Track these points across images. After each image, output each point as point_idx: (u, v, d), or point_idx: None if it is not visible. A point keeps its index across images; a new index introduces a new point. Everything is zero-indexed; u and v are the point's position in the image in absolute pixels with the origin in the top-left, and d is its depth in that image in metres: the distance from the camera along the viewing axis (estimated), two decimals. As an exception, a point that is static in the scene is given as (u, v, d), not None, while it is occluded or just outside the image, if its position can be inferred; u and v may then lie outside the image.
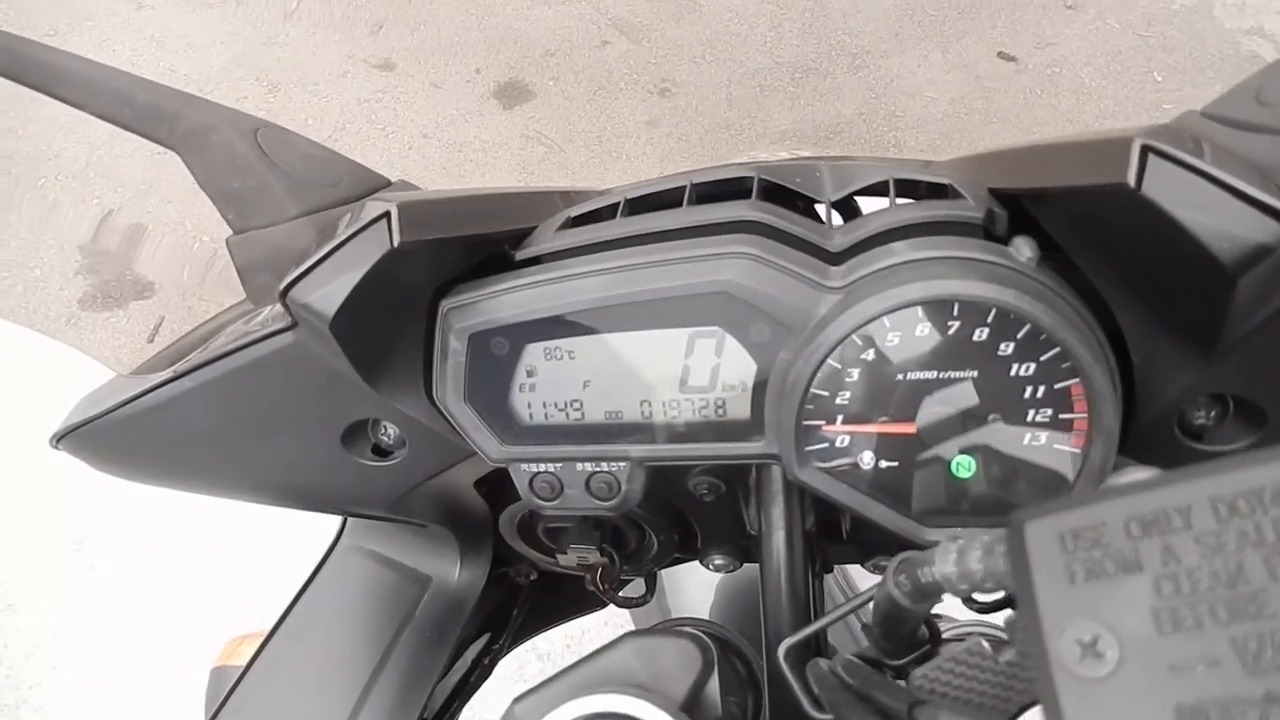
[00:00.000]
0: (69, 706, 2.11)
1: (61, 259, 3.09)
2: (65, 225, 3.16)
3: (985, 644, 0.40)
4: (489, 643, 0.86)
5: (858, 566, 0.81)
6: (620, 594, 0.83)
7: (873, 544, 0.76)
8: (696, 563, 1.15)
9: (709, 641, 0.48)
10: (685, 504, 0.73)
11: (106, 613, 2.24)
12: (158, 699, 2.04)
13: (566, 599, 0.91)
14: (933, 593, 0.37)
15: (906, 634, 0.46)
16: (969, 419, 0.47)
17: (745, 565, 0.89)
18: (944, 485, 0.49)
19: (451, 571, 0.71)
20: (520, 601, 0.87)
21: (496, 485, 0.70)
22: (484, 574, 0.72)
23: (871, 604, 0.45)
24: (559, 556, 0.75)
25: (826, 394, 0.48)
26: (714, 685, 0.47)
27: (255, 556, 2.18)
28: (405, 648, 0.68)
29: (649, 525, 0.74)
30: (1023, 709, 0.38)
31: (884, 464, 0.49)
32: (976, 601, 0.75)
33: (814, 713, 0.44)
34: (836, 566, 1.17)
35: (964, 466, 0.48)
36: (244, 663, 0.87)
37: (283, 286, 0.49)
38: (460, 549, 0.71)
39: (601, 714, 0.44)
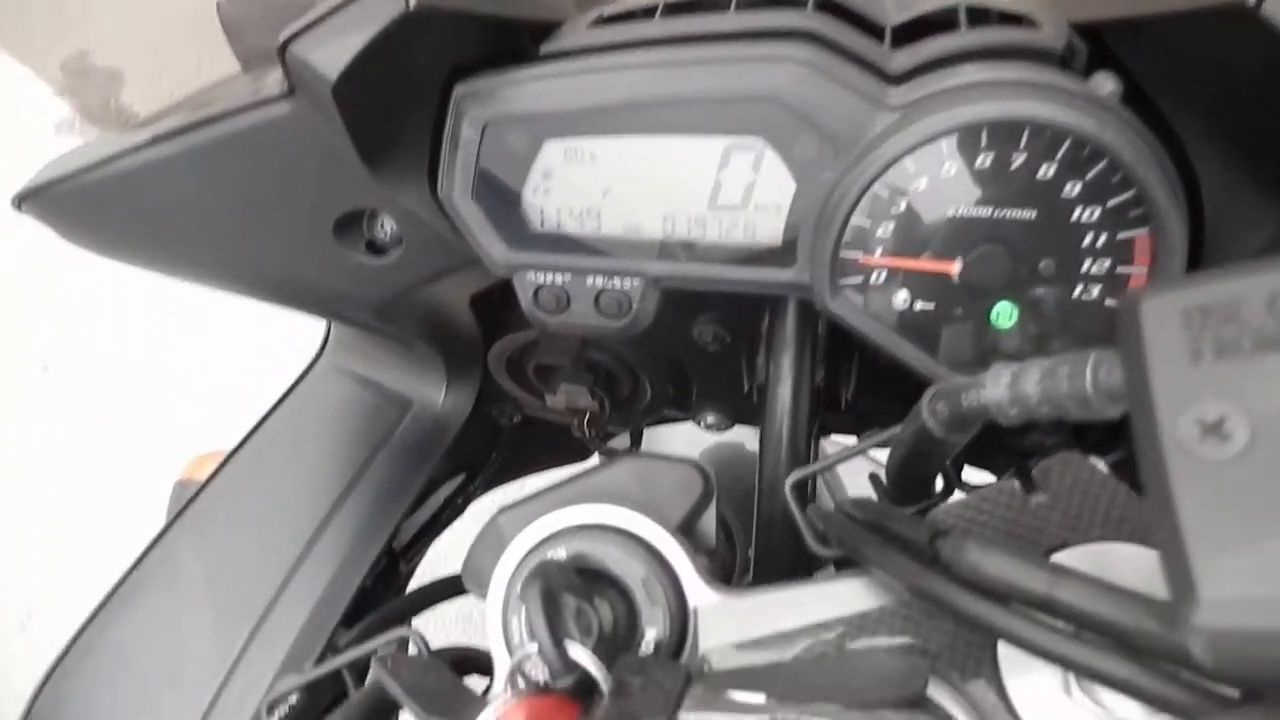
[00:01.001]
0: (36, 520, 2.11)
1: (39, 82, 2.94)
2: (47, 41, 2.99)
3: (1015, 483, 0.37)
4: (464, 483, 0.83)
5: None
6: (605, 445, 0.81)
7: (872, 415, 0.74)
8: (676, 433, 1.13)
9: (709, 473, 0.45)
10: (686, 354, 0.70)
11: (75, 431, 2.21)
12: (122, 511, 2.03)
13: (547, 446, 0.88)
14: (973, 420, 0.34)
15: (924, 478, 0.44)
16: (1018, 264, 0.43)
17: (730, 441, 0.87)
18: (978, 334, 0.45)
19: (435, 397, 0.68)
20: (500, 444, 0.84)
21: (491, 311, 0.67)
22: (469, 404, 0.69)
23: (891, 445, 0.43)
24: (547, 398, 0.72)
25: (868, 224, 0.44)
26: (711, 515, 0.45)
27: (225, 382, 2.14)
28: (379, 470, 0.65)
29: (645, 373, 0.71)
30: (1052, 550, 0.35)
31: (919, 305, 0.46)
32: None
33: (818, 548, 0.42)
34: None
35: (1004, 316, 0.45)
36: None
37: (282, 39, 0.44)
38: (447, 374, 0.68)
39: (592, 525, 0.41)
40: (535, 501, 0.45)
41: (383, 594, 0.71)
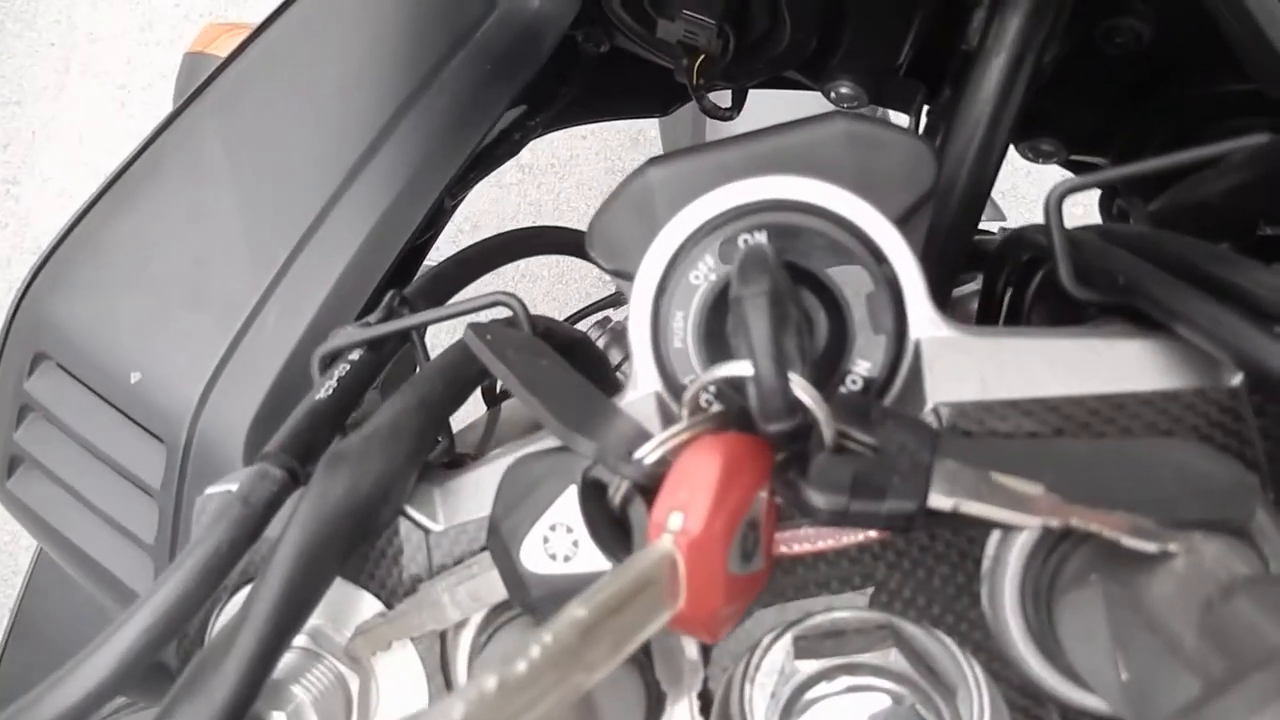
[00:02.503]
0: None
1: None
2: None
3: None
4: (524, 116, 0.70)
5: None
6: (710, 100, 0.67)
7: (1047, 123, 0.60)
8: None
9: (938, 157, 0.33)
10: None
11: None
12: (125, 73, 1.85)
13: (630, 90, 0.74)
14: None
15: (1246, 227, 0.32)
16: None
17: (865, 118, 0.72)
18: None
19: (530, -6, 0.53)
20: (575, 76, 0.69)
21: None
22: (570, 13, 0.54)
23: (1222, 168, 0.30)
24: (660, 25, 0.57)
25: None
26: (925, 218, 0.33)
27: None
28: (456, 76, 0.51)
29: (792, 12, 0.56)
30: None
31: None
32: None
33: (1078, 288, 0.31)
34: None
35: None
36: (224, 54, 0.70)
37: None
38: (549, -36, 0.52)
39: (796, 204, 0.29)
40: (703, 157, 0.32)
41: (423, 232, 0.60)
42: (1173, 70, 0.52)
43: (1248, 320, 0.25)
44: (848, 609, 0.30)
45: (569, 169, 1.98)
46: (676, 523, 0.22)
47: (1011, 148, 0.65)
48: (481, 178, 0.71)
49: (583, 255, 0.70)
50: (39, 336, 0.47)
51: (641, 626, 0.21)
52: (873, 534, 0.27)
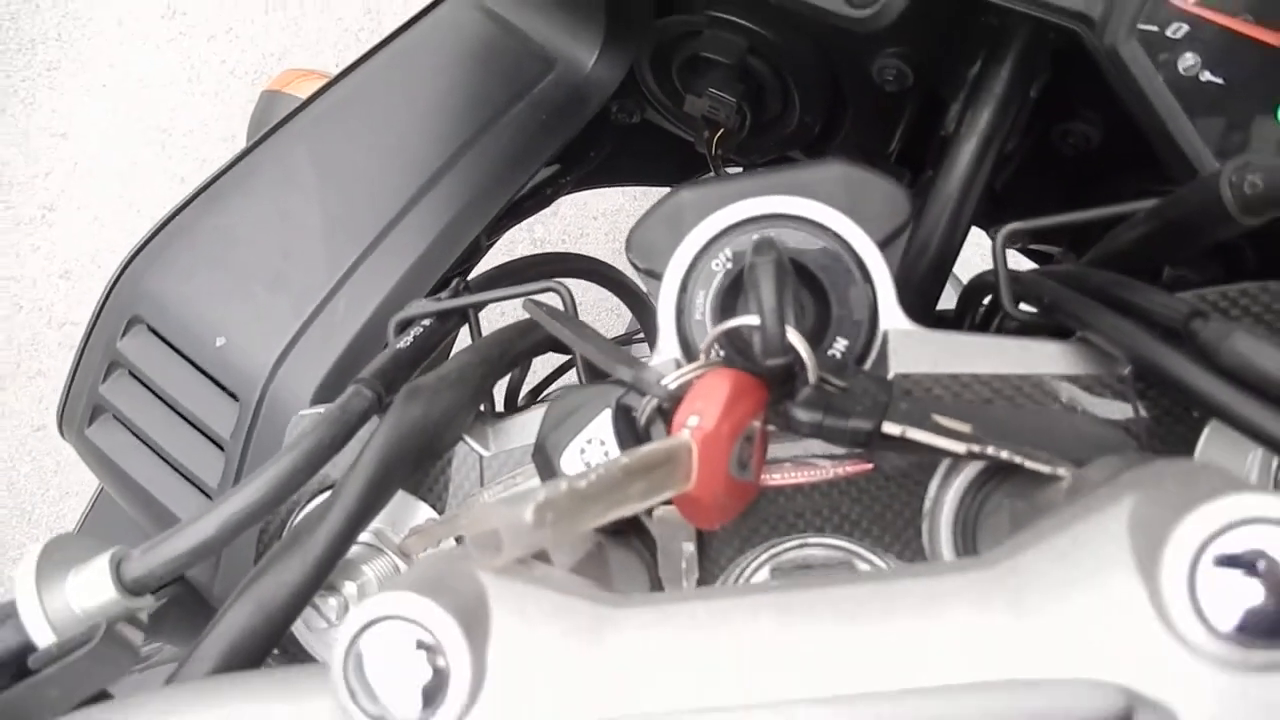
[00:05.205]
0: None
1: None
2: None
3: (1284, 287, 0.34)
4: (556, 174, 0.79)
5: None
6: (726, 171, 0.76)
7: (1008, 210, 0.70)
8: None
9: (911, 200, 0.41)
10: (854, 89, 0.64)
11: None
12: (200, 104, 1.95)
13: (655, 158, 0.83)
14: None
15: (1152, 269, 0.40)
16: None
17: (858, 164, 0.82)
18: (1253, 126, 0.40)
19: (583, 62, 0.62)
20: (605, 141, 0.79)
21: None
22: (616, 80, 0.63)
23: (1136, 219, 0.39)
24: (688, 100, 0.67)
25: (1191, -37, 0.38)
26: (899, 247, 0.42)
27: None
28: (511, 124, 0.60)
29: (802, 98, 0.66)
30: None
31: (1207, 76, 0.40)
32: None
33: (1010, 306, 0.39)
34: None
35: (1297, 113, 0.39)
36: (298, 94, 0.80)
37: None
38: (604, 38, 0.62)
39: (798, 217, 0.37)
40: (724, 185, 0.41)
41: (463, 262, 0.69)
42: (1118, 169, 0.61)
43: (1139, 327, 0.33)
44: (817, 546, 0.37)
45: (579, 245, 2.08)
46: (694, 421, 0.30)
47: (985, 240, 0.74)
48: (512, 225, 0.79)
49: (611, 287, 0.78)
50: (136, 303, 0.54)
51: (664, 486, 0.28)
52: (840, 472, 0.35)
